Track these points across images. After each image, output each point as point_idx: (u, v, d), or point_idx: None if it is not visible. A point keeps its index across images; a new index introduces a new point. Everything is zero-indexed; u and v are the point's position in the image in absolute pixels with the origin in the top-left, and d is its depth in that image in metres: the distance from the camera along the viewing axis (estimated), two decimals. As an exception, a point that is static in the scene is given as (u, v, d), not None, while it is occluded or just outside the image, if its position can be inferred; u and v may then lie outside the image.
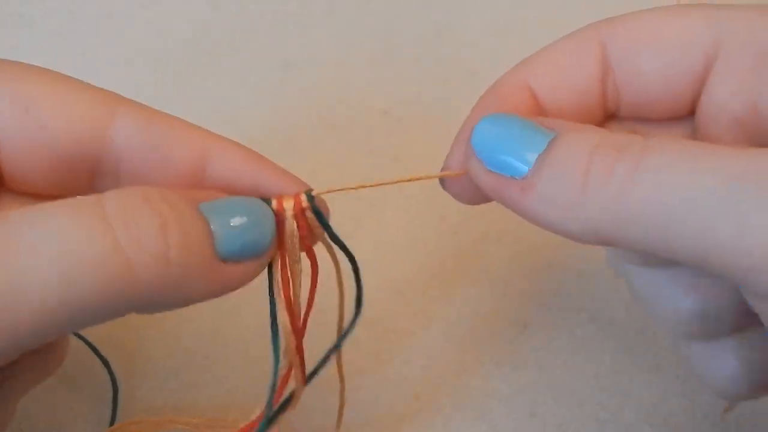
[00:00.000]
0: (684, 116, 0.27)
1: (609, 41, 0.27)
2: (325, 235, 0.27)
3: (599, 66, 0.27)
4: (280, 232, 0.26)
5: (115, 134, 0.25)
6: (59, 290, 0.20)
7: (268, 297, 0.26)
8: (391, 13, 0.45)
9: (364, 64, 0.43)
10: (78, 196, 0.22)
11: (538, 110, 0.27)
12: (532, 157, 0.24)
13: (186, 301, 0.23)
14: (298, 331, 0.27)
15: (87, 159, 0.25)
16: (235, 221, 0.24)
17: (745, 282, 0.21)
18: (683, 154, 0.22)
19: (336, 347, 0.28)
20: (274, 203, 0.26)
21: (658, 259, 0.27)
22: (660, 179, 0.22)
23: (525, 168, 0.24)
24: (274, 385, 0.26)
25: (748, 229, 0.21)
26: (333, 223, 0.27)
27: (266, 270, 0.26)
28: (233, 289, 0.25)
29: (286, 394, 0.27)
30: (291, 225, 0.26)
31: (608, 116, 0.28)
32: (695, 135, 0.27)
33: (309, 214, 0.26)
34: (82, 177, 0.25)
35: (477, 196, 0.27)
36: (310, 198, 0.26)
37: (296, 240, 0.26)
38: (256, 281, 0.26)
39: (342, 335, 0.28)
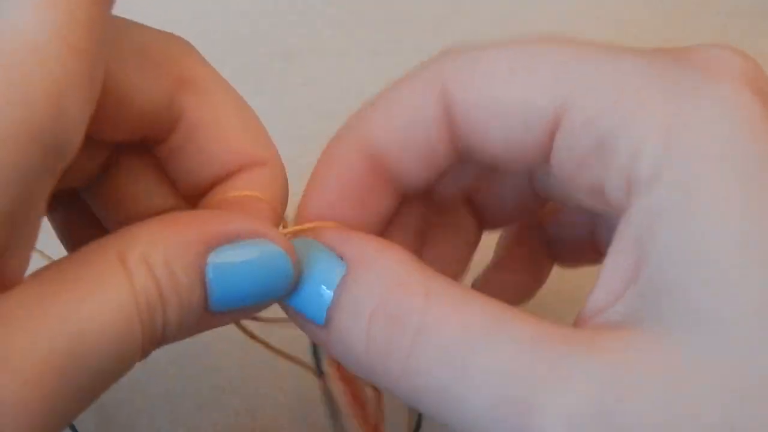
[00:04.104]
0: (539, 162, 0.24)
1: (452, 89, 0.24)
2: None
3: (442, 115, 0.24)
4: (347, 383, 0.24)
5: (176, 110, 0.25)
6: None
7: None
8: (393, 3, 0.45)
9: (365, 55, 0.43)
10: (102, 257, 0.21)
11: (379, 173, 0.25)
12: (323, 308, 0.23)
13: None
14: None
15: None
16: (238, 282, 0.22)
17: None
18: (462, 338, 0.21)
19: None
20: (325, 366, 0.24)
21: None
22: (431, 369, 0.21)
23: (321, 318, 0.23)
24: None
25: None
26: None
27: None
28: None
29: None
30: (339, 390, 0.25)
31: (463, 159, 0.26)
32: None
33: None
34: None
35: None
36: None
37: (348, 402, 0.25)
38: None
39: None
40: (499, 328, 0.21)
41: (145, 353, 0.22)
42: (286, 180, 0.26)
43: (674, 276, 0.20)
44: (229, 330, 0.31)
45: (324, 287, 0.23)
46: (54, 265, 0.21)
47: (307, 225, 0.25)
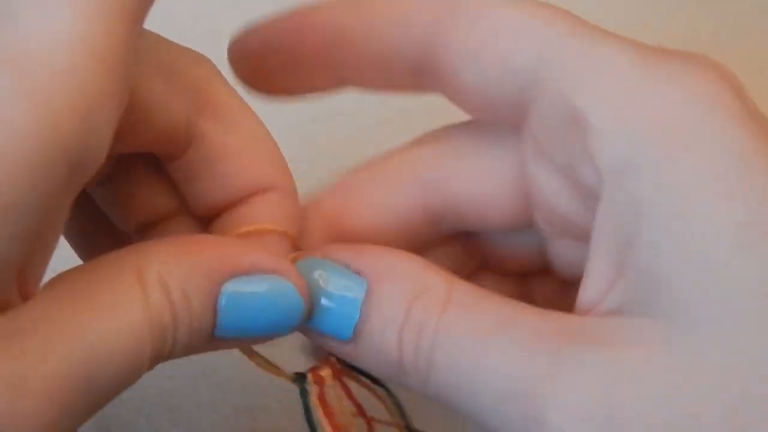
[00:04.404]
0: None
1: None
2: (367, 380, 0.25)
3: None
4: (324, 406, 0.25)
5: (194, 131, 0.25)
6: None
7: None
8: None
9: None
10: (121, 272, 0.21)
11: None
12: (350, 323, 0.23)
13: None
14: None
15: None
16: (248, 313, 0.23)
17: None
18: (473, 340, 0.22)
19: None
20: (310, 377, 0.25)
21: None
22: (451, 368, 0.22)
23: (348, 335, 0.23)
24: None
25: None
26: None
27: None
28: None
29: None
30: (332, 393, 0.25)
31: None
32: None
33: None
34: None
35: None
36: (343, 362, 0.25)
37: (344, 404, 0.25)
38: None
39: None
40: (504, 327, 0.22)
41: (150, 368, 0.22)
42: (299, 207, 0.26)
43: (668, 272, 0.20)
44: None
45: (349, 306, 0.23)
46: (69, 277, 0.21)
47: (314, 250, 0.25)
